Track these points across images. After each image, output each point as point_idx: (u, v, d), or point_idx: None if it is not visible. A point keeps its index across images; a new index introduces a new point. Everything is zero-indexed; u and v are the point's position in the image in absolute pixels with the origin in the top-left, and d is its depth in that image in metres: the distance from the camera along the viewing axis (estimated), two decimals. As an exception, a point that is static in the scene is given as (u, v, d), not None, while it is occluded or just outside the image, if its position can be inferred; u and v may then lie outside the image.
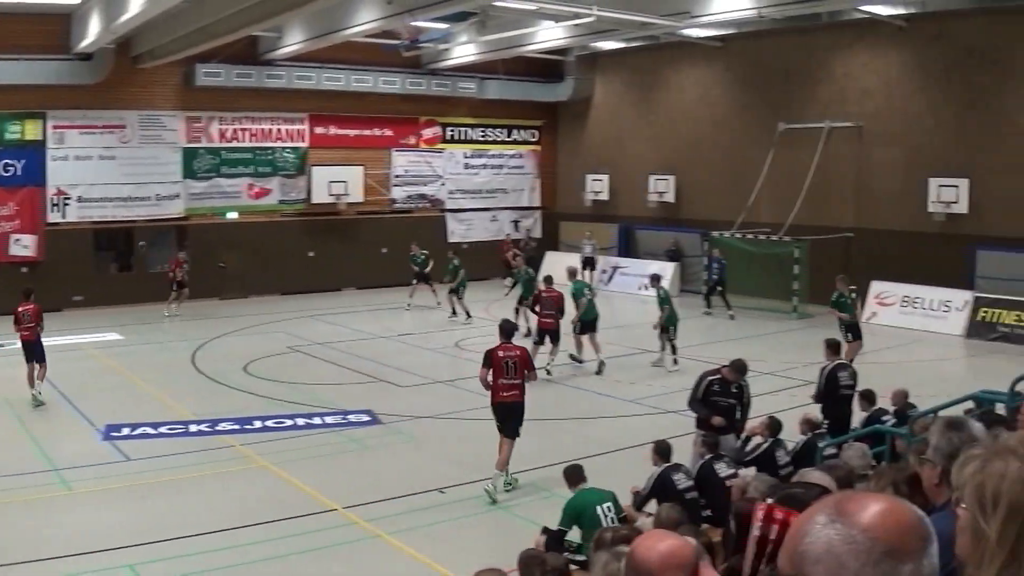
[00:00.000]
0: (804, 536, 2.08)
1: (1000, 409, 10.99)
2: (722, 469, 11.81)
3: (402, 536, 12.58)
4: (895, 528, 2.04)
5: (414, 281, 32.56)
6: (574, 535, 10.56)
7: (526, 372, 14.92)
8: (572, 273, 24.84)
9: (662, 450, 11.80)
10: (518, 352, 15.02)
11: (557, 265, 32.85)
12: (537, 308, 23.30)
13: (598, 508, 10.45)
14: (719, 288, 32.17)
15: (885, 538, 2.01)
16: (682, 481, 11.35)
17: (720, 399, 14.07)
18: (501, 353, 14.85)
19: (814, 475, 7.15)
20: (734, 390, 14.21)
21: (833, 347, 16.30)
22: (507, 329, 15.64)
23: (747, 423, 14.33)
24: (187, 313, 31.17)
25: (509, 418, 14.67)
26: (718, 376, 14.26)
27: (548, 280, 24.35)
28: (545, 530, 10.60)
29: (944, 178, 29.57)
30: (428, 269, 32.44)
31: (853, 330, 22.80)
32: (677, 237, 37.25)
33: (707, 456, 12.03)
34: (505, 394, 14.59)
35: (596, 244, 38.08)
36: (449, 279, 31.07)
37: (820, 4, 26.80)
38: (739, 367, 14.48)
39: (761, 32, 33.27)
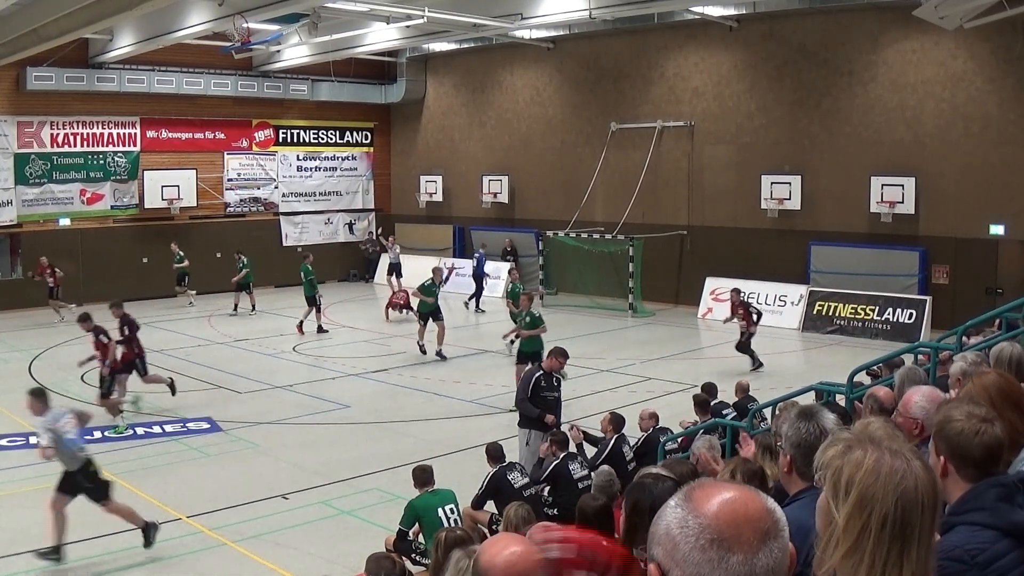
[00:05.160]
0: (658, 518, 2.16)
1: (840, 400, 11.42)
2: (576, 470, 12.25)
3: (248, 543, 12.71)
4: (728, 518, 2.07)
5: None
6: (421, 537, 10.88)
7: None
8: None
9: (493, 452, 12.26)
10: None
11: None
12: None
13: (439, 510, 10.81)
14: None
15: (715, 526, 2.06)
16: (518, 480, 11.75)
17: (547, 393, 14.56)
18: None
19: (654, 471, 7.49)
20: (555, 383, 14.77)
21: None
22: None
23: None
24: (22, 322, 30.65)
25: None
26: (542, 371, 14.74)
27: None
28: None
29: (776, 175, 30.52)
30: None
31: None
32: (512, 237, 37.63)
33: (560, 455, 12.52)
34: None
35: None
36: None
37: (651, 5, 27.39)
38: (562, 352, 15.00)
39: (593, 33, 34.00)
